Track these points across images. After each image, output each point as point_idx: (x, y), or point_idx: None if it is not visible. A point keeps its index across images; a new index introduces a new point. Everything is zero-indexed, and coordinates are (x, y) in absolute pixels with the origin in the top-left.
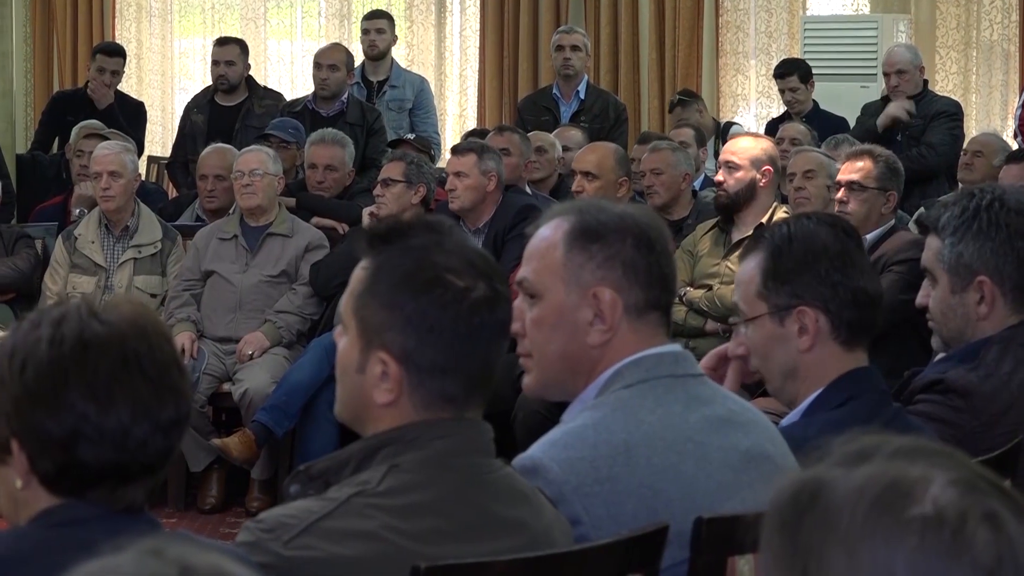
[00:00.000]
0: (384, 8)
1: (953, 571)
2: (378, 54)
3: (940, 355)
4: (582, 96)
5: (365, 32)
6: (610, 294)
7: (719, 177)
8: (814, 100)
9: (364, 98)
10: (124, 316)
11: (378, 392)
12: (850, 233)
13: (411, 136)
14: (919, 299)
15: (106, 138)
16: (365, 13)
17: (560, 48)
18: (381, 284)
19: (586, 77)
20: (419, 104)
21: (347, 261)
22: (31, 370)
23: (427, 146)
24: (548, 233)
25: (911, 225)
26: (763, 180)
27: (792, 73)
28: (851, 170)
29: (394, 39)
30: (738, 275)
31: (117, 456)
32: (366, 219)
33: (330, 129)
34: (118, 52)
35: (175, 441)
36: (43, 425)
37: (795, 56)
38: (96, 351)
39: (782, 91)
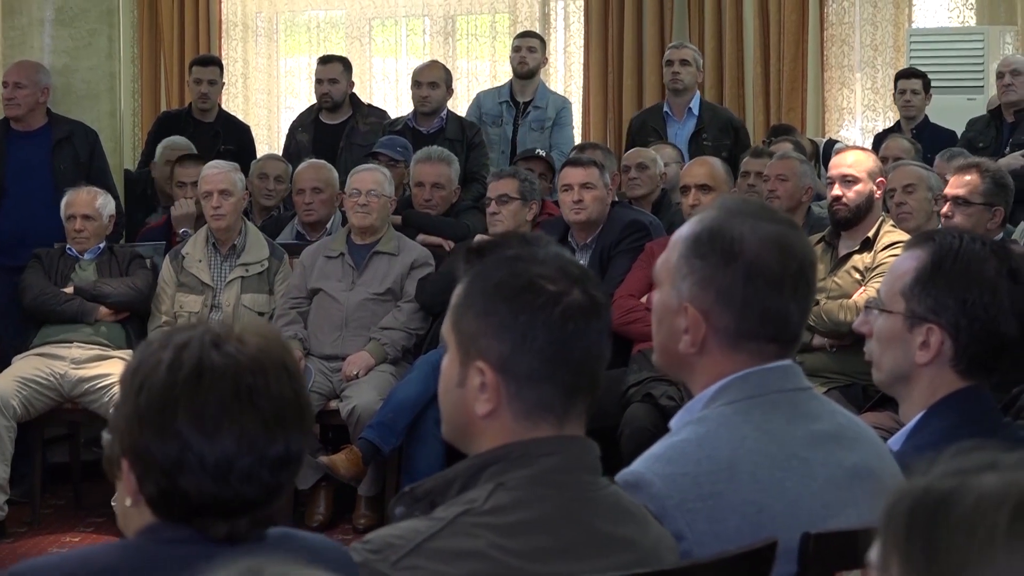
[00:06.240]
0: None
1: None
2: (527, 72)
3: None
4: (695, 112)
5: (516, 49)
6: (696, 314)
7: (836, 192)
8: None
9: (512, 118)
10: (248, 348)
11: (478, 403)
12: (1016, 276)
13: (541, 152)
14: None
15: (200, 158)
16: (517, 33)
17: (669, 63)
18: (475, 294)
19: (698, 93)
20: (558, 121)
21: (454, 277)
22: (146, 393)
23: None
24: (683, 227)
25: (1017, 237)
26: (878, 192)
27: (918, 76)
28: (958, 184)
29: (544, 60)
30: (894, 264)
31: (217, 489)
32: None
33: (436, 147)
34: (211, 61)
35: (285, 479)
36: (149, 449)
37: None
38: (209, 381)
39: (902, 91)
